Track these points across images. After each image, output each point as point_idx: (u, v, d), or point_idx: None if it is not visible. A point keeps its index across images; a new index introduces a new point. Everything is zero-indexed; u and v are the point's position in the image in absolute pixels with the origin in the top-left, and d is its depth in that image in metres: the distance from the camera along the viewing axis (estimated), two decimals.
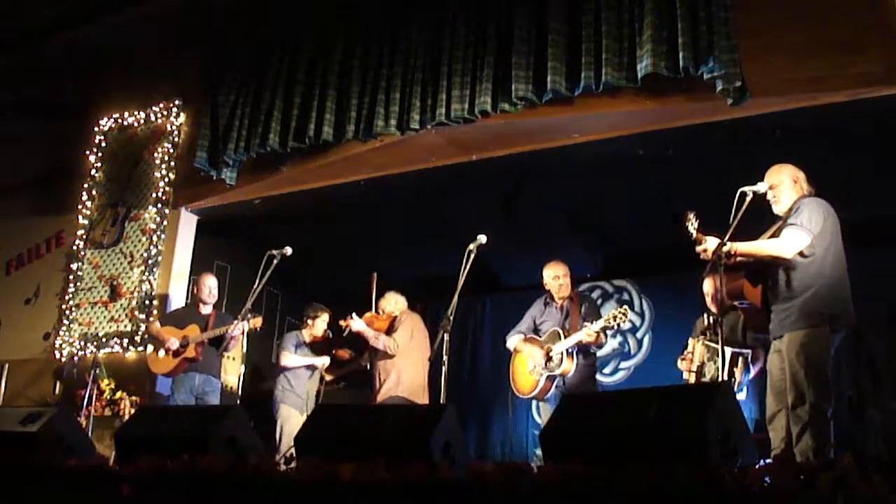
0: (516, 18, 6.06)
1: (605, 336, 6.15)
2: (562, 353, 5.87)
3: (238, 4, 7.97)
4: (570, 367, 5.86)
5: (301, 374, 6.89)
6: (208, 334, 6.61)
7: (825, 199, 4.49)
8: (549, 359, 5.94)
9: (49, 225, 8.72)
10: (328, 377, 7.26)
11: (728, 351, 5.27)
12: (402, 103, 6.50)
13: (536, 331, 6.22)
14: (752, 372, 5.40)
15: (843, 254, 4.40)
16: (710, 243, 4.44)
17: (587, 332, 5.75)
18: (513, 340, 6.31)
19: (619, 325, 5.83)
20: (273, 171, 7.35)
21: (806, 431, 4.06)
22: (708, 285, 5.53)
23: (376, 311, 6.82)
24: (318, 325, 7.08)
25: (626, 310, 5.77)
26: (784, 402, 4.27)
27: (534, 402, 8.33)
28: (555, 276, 6.20)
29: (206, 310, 6.87)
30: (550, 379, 5.92)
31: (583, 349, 5.94)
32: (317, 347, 7.07)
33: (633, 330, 8.34)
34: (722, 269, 4.36)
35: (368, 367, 6.81)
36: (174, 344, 6.58)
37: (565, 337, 5.90)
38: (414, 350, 6.45)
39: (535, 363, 6.02)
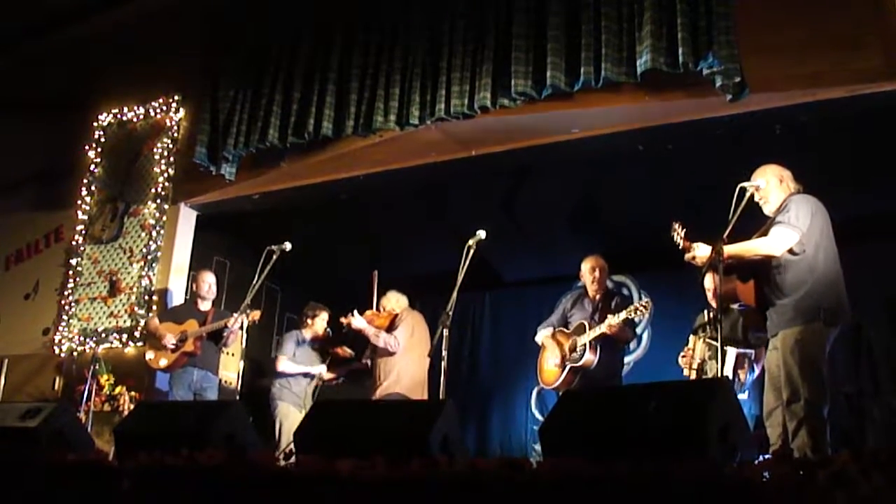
0: (515, 13, 6.05)
1: (633, 332, 6.12)
2: (585, 346, 5.84)
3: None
4: (591, 359, 5.82)
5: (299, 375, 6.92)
6: (207, 328, 6.63)
7: (823, 195, 4.49)
8: (572, 350, 5.94)
9: (48, 220, 8.71)
10: (328, 376, 7.26)
11: (733, 352, 5.29)
12: (401, 98, 6.50)
13: (566, 324, 6.20)
14: (757, 372, 5.40)
15: (835, 249, 4.40)
16: (699, 250, 4.46)
17: (609, 324, 5.73)
18: (541, 333, 6.30)
19: (640, 316, 5.80)
20: (272, 166, 7.34)
21: (802, 428, 4.07)
22: (709, 281, 5.53)
23: (377, 309, 6.82)
24: (318, 324, 7.09)
25: (647, 302, 5.72)
26: (781, 399, 4.28)
27: (533, 398, 8.36)
28: (591, 269, 6.17)
29: (204, 306, 6.90)
30: (573, 371, 5.89)
31: (609, 344, 5.88)
32: (317, 346, 7.08)
33: (635, 328, 8.34)
34: (720, 268, 4.36)
35: (369, 364, 6.81)
36: (171, 341, 6.60)
37: (590, 330, 5.89)
38: (415, 347, 6.45)
39: (559, 355, 6.02)
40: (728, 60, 5.19)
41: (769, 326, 4.43)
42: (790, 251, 4.32)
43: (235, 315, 6.34)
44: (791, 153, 4.75)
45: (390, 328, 6.55)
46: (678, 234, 4.58)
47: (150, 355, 6.79)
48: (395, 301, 6.77)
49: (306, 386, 6.91)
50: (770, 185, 4.57)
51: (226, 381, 7.52)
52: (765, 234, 4.45)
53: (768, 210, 4.58)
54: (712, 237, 4.43)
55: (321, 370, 7.00)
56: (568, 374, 5.90)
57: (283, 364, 6.89)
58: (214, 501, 3.42)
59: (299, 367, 6.91)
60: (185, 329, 6.65)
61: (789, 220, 4.33)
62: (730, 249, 4.39)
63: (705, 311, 5.73)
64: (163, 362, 6.68)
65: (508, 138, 6.61)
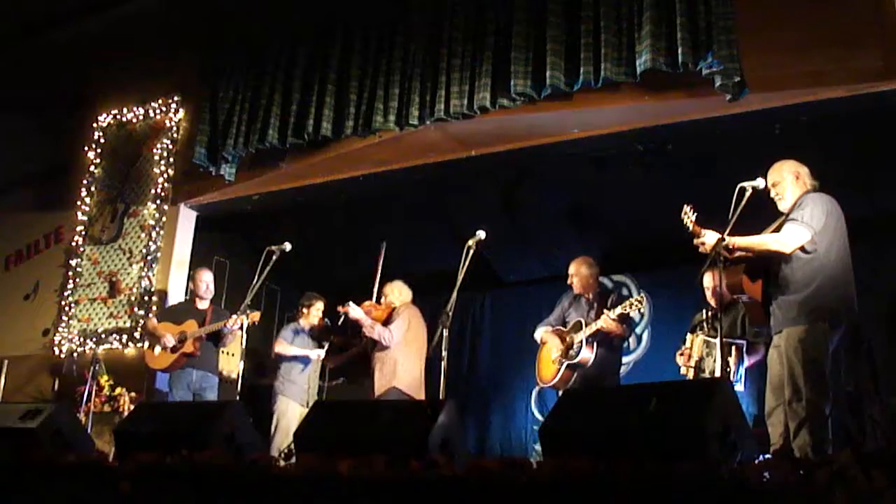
0: (515, 13, 6.06)
1: (629, 327, 6.11)
2: (581, 342, 5.84)
3: None
4: (588, 356, 5.82)
5: (298, 364, 6.88)
6: (206, 329, 6.61)
7: (828, 194, 4.48)
8: (569, 347, 5.94)
9: (48, 221, 8.72)
10: (329, 364, 7.23)
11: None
12: (400, 99, 6.51)
13: (564, 323, 6.19)
14: (747, 362, 5.39)
15: (847, 250, 4.38)
16: (707, 237, 4.43)
17: (604, 320, 5.72)
18: (540, 331, 6.29)
19: (637, 311, 5.78)
20: (272, 166, 7.35)
21: (803, 427, 4.06)
22: (708, 280, 5.54)
23: (379, 293, 6.79)
24: (313, 314, 7.05)
25: (642, 297, 5.73)
26: (782, 398, 4.27)
27: (534, 398, 8.35)
28: (571, 274, 6.14)
29: (202, 305, 6.88)
30: (570, 368, 5.88)
31: (605, 340, 5.87)
32: (315, 334, 7.05)
33: (633, 325, 8.33)
34: (722, 264, 4.36)
35: (364, 347, 6.81)
36: (171, 341, 6.58)
37: (587, 326, 5.89)
38: (411, 342, 6.44)
39: (557, 352, 6.03)
40: (727, 60, 5.19)
41: (773, 323, 4.41)
42: (802, 249, 4.30)
43: (235, 316, 6.33)
44: (791, 153, 4.73)
45: (387, 321, 6.53)
46: (688, 217, 4.55)
47: (148, 355, 6.78)
48: (397, 293, 6.72)
49: (310, 377, 6.88)
50: (786, 181, 4.54)
51: (226, 382, 7.49)
52: (778, 229, 4.43)
53: (783, 207, 4.54)
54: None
55: (320, 353, 6.96)
56: (565, 371, 5.90)
57: (281, 346, 6.85)
58: (214, 502, 3.42)
59: (296, 350, 6.85)
60: (184, 329, 6.63)
61: (802, 219, 4.31)
62: (740, 242, 4.38)
63: (703, 310, 5.74)
64: (161, 363, 6.66)
65: (508, 138, 6.61)
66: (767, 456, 3.78)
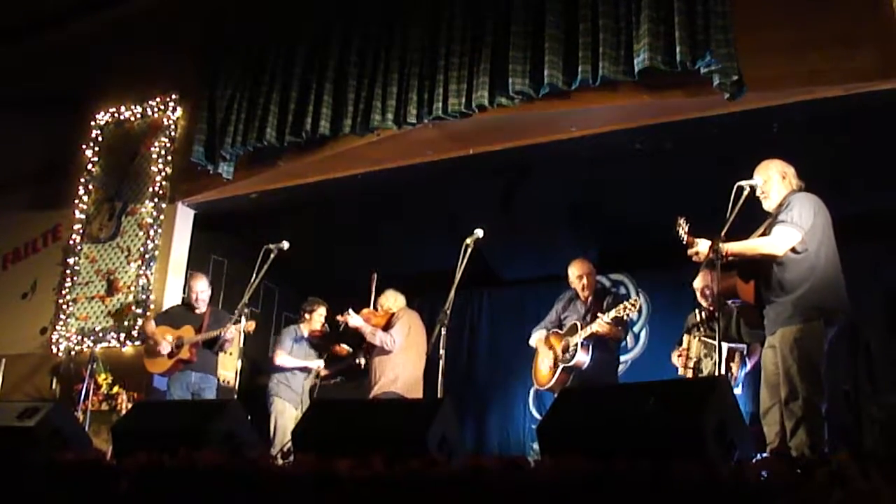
0: (513, 12, 6.06)
1: (625, 330, 6.13)
2: (576, 346, 5.85)
3: None
4: (584, 359, 5.83)
5: (296, 371, 6.89)
6: (202, 337, 6.55)
7: (821, 194, 4.48)
8: (564, 351, 5.94)
9: (46, 219, 8.71)
10: (324, 372, 7.25)
11: (724, 346, 5.29)
12: (398, 97, 6.50)
13: (561, 325, 6.19)
14: (748, 366, 5.41)
15: (835, 248, 4.40)
16: (701, 246, 4.45)
17: (599, 324, 5.74)
18: (536, 335, 6.30)
19: (627, 315, 5.80)
20: (270, 165, 7.34)
21: (800, 427, 4.07)
22: (698, 281, 5.55)
23: (375, 307, 6.81)
24: (316, 319, 7.06)
25: (635, 300, 5.75)
26: (778, 397, 4.28)
27: (531, 397, 8.36)
28: (578, 276, 6.16)
29: (200, 309, 6.82)
30: (566, 371, 5.89)
31: (601, 343, 5.89)
32: (315, 342, 7.06)
33: (630, 324, 8.32)
34: (719, 266, 4.36)
35: (362, 363, 6.81)
36: (167, 348, 6.53)
37: (582, 330, 5.89)
38: (411, 347, 6.45)
39: (553, 355, 6.03)
40: (725, 59, 5.20)
41: (767, 324, 4.42)
42: (792, 249, 4.31)
43: (230, 325, 6.30)
44: (788, 151, 4.74)
45: (387, 327, 6.54)
46: (682, 228, 4.57)
47: (146, 359, 6.74)
48: (392, 300, 6.76)
49: (304, 382, 6.90)
50: (772, 180, 4.55)
51: (224, 381, 7.49)
52: (766, 232, 4.44)
53: (768, 206, 4.56)
54: (710, 236, 4.43)
55: (319, 364, 6.97)
56: (561, 374, 5.91)
57: (281, 358, 6.87)
58: (212, 501, 3.42)
59: (297, 362, 6.89)
60: (181, 335, 6.57)
61: (791, 219, 4.32)
62: (732, 248, 4.39)
63: (696, 311, 5.74)
64: (159, 367, 6.63)
65: (506, 137, 6.61)
66: (765, 455, 3.80)
